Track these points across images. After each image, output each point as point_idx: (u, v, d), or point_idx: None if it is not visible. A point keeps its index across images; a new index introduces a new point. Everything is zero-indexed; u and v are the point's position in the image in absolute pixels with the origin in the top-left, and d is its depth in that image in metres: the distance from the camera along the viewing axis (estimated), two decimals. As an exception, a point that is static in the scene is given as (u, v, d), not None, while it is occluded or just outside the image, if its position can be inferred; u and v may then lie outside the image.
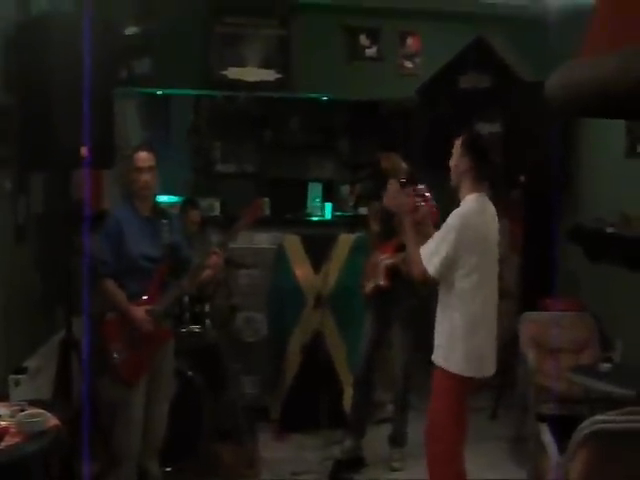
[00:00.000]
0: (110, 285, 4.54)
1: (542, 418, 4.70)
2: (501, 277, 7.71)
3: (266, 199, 7.92)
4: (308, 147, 8.96)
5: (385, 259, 5.55)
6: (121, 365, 4.52)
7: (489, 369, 4.32)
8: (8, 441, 3.40)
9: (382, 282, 5.56)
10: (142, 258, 4.59)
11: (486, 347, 4.28)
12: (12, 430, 3.49)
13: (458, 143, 4.34)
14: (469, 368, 4.22)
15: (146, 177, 4.62)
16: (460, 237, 4.14)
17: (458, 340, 4.21)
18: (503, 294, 7.66)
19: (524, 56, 7.25)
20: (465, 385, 4.27)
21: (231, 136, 8.90)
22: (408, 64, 7.32)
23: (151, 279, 4.62)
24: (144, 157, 4.64)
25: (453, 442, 4.36)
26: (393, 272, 5.53)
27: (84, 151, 4.62)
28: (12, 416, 3.61)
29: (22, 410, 3.68)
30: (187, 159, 9.00)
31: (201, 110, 9.06)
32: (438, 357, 4.31)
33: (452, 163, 4.35)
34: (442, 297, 4.34)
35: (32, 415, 3.60)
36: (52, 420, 3.63)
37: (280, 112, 8.91)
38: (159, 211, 4.81)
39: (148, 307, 4.57)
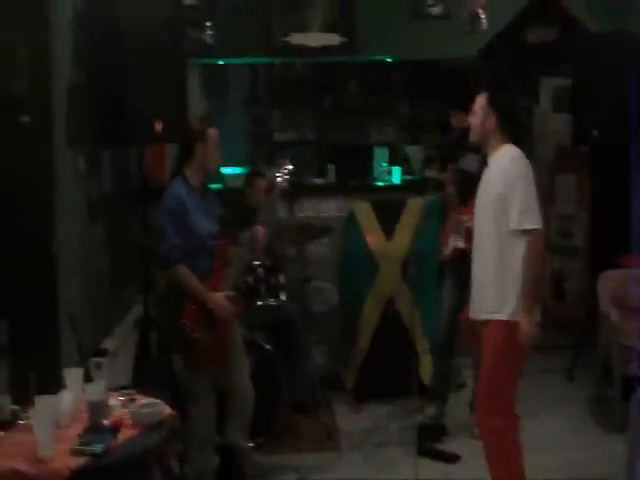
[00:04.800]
0: (184, 272, 4.34)
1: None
2: (570, 234, 7.69)
3: (331, 166, 7.83)
4: (368, 111, 8.87)
5: (466, 221, 5.38)
6: (207, 349, 4.41)
7: None
8: (125, 434, 3.15)
9: (462, 244, 5.41)
10: (207, 236, 4.45)
11: None
12: (127, 422, 3.24)
13: (481, 101, 4.33)
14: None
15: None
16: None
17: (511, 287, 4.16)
18: (572, 252, 7.64)
19: (590, 6, 7.09)
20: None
21: (290, 103, 8.83)
22: (474, 20, 7.19)
23: (214, 256, 4.50)
24: (215, 133, 4.54)
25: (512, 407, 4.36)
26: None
27: (158, 126, 4.53)
28: (124, 406, 3.41)
29: (132, 399, 3.46)
30: (245, 129, 8.95)
31: (259, 78, 9.00)
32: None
33: (474, 120, 4.36)
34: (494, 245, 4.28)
35: (147, 405, 3.37)
36: (167, 409, 3.40)
37: (338, 76, 8.83)
38: (206, 186, 4.68)
39: (226, 292, 4.48)
